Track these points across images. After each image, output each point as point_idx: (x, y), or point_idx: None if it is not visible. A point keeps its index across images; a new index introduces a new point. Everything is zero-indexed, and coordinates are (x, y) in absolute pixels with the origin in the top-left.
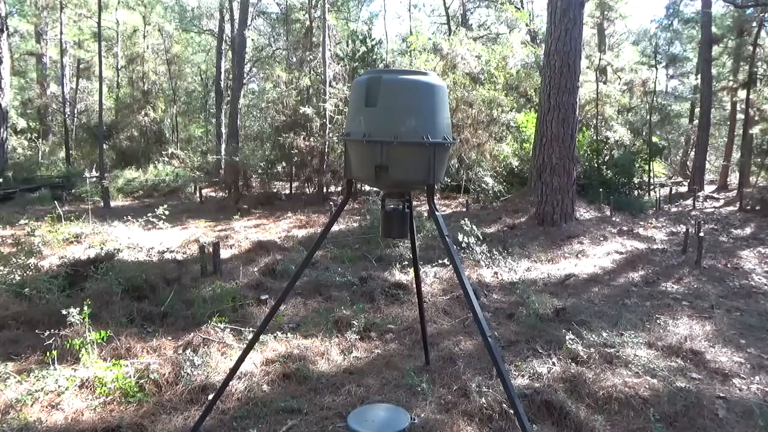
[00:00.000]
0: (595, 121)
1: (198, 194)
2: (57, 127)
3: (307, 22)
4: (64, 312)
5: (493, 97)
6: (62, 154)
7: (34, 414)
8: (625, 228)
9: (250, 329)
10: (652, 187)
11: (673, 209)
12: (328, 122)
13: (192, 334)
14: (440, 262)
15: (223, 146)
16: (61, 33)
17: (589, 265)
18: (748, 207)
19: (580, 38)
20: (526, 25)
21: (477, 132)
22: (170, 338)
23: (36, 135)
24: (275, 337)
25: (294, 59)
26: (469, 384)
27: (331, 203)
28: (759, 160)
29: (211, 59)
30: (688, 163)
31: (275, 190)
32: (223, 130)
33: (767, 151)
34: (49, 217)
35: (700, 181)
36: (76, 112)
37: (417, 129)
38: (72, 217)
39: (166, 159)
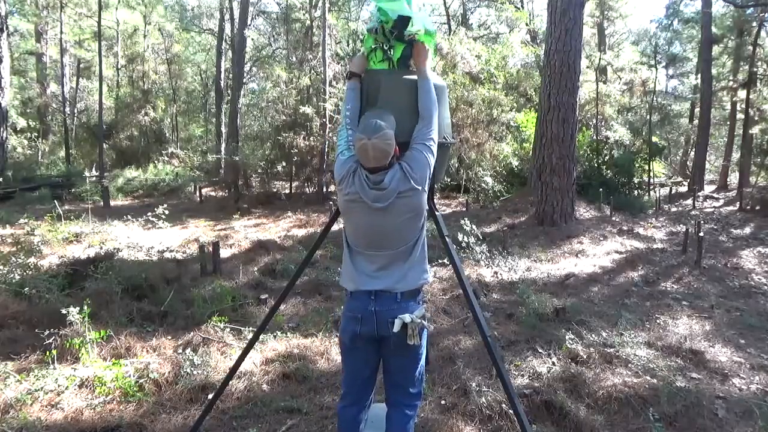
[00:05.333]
0: (595, 121)
1: (198, 194)
2: (57, 127)
3: (308, 22)
4: (63, 311)
5: (493, 96)
6: (62, 153)
7: (33, 413)
8: (624, 228)
9: (250, 329)
10: (652, 186)
11: (673, 209)
12: (328, 122)
13: (192, 333)
14: (440, 261)
15: (223, 146)
16: (61, 32)
17: (588, 265)
18: (748, 207)
19: (580, 38)
20: (526, 24)
21: (477, 132)
22: (170, 338)
23: (36, 134)
24: (275, 336)
25: (294, 59)
26: (468, 384)
27: (331, 203)
28: (759, 160)
29: (211, 59)
30: (688, 163)
31: (275, 190)
32: (223, 130)
33: (767, 151)
34: (49, 216)
35: (700, 180)
36: (76, 111)
37: None
38: (72, 217)
39: (166, 158)
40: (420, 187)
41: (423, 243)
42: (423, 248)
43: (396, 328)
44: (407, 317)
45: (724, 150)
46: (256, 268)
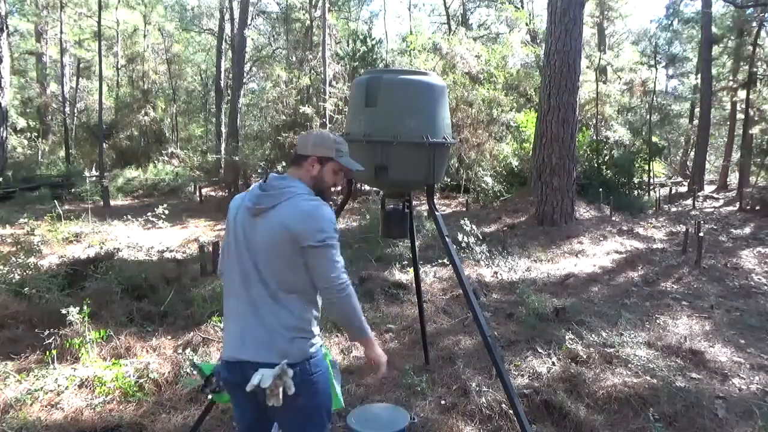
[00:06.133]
0: (595, 121)
1: (198, 193)
2: (57, 127)
3: (308, 22)
4: (63, 311)
5: (492, 96)
6: (62, 153)
7: (33, 413)
8: (624, 228)
9: None
10: (651, 187)
11: (673, 209)
12: (327, 122)
13: (192, 333)
14: (440, 261)
15: (223, 145)
16: (61, 32)
17: (588, 265)
18: (748, 207)
19: (580, 38)
20: (526, 24)
21: (477, 132)
22: (170, 337)
23: (36, 134)
24: None
25: (294, 58)
26: (468, 384)
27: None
28: (759, 160)
29: (211, 58)
30: (688, 163)
31: None
32: (223, 130)
33: (767, 151)
34: (49, 216)
35: (699, 181)
36: (76, 111)
37: (417, 129)
38: (72, 217)
39: (166, 158)
40: (289, 238)
41: (308, 298)
42: (306, 305)
43: (249, 387)
44: (266, 377)
45: (724, 150)
46: None
